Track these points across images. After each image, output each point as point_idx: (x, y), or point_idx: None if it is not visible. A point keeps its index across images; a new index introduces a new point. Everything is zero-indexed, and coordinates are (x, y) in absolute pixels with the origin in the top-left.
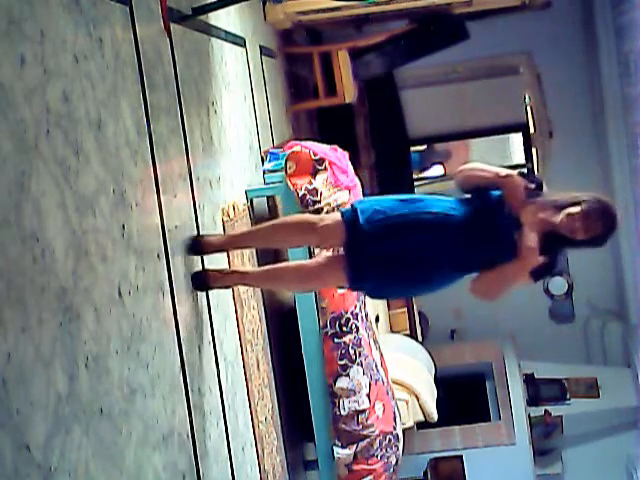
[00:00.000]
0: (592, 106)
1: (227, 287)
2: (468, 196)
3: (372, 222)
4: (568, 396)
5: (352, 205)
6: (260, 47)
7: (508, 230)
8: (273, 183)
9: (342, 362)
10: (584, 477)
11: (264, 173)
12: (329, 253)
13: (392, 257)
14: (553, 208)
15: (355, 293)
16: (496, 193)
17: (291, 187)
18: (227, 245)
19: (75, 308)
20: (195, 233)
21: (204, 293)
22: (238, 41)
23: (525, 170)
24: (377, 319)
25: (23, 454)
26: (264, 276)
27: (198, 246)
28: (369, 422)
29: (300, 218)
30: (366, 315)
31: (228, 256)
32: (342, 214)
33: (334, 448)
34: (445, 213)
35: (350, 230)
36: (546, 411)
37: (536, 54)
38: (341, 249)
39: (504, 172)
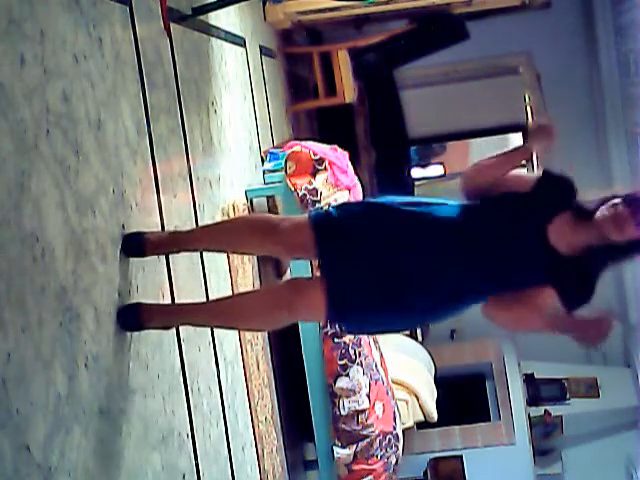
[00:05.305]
0: (592, 106)
1: (168, 328)
2: (478, 202)
3: (349, 213)
4: (568, 396)
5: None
6: (260, 47)
7: (532, 246)
8: (273, 183)
9: (342, 362)
10: (584, 477)
11: (264, 173)
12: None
13: (378, 266)
14: (586, 216)
15: None
16: (513, 200)
17: (291, 187)
18: (171, 245)
19: (75, 308)
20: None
21: (203, 292)
22: (238, 41)
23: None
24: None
25: (23, 454)
26: (215, 312)
27: (138, 245)
28: (369, 422)
29: (260, 217)
30: None
31: (228, 257)
32: (310, 213)
33: (334, 448)
34: (451, 217)
35: (320, 229)
36: (546, 411)
37: (536, 54)
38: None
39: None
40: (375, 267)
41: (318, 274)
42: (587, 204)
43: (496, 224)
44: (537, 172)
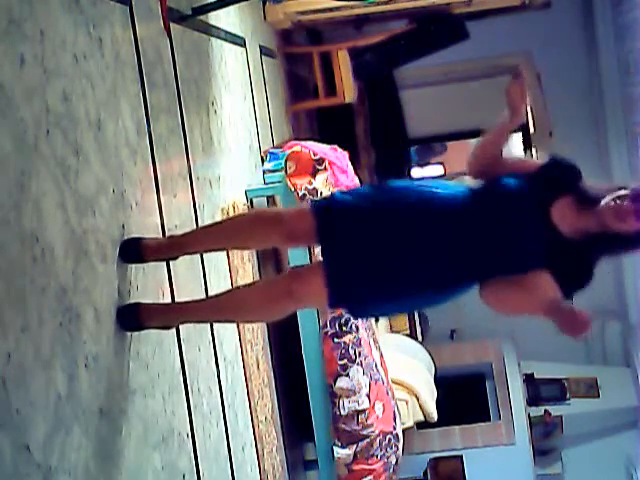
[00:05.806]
0: (592, 106)
1: (168, 327)
2: (481, 184)
3: (352, 196)
4: (568, 396)
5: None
6: (260, 47)
7: (534, 227)
8: (273, 183)
9: (342, 362)
10: (584, 477)
11: (264, 173)
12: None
13: (379, 247)
14: (590, 202)
15: None
16: (516, 181)
17: (291, 187)
18: (170, 249)
19: (75, 308)
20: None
21: (203, 291)
22: (238, 41)
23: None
24: (377, 319)
25: (23, 454)
26: (215, 307)
27: (137, 251)
28: (369, 422)
29: (261, 211)
30: None
31: (228, 256)
32: (312, 201)
33: (334, 448)
34: (453, 201)
35: (320, 214)
36: (546, 411)
37: (536, 54)
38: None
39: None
40: (376, 250)
41: (318, 260)
42: (592, 190)
43: (499, 205)
44: (543, 158)
